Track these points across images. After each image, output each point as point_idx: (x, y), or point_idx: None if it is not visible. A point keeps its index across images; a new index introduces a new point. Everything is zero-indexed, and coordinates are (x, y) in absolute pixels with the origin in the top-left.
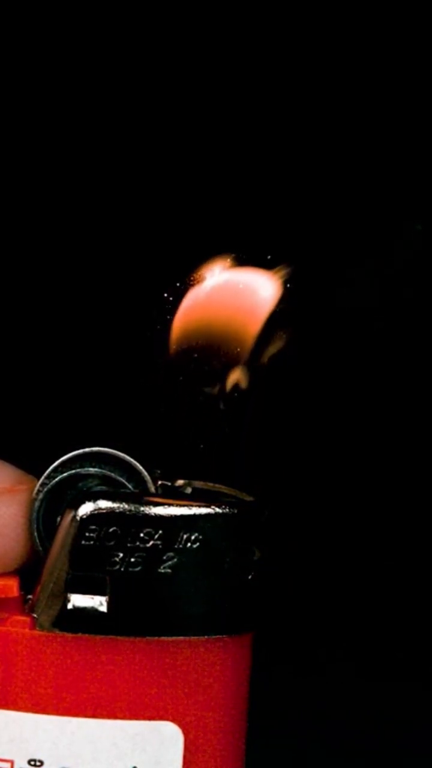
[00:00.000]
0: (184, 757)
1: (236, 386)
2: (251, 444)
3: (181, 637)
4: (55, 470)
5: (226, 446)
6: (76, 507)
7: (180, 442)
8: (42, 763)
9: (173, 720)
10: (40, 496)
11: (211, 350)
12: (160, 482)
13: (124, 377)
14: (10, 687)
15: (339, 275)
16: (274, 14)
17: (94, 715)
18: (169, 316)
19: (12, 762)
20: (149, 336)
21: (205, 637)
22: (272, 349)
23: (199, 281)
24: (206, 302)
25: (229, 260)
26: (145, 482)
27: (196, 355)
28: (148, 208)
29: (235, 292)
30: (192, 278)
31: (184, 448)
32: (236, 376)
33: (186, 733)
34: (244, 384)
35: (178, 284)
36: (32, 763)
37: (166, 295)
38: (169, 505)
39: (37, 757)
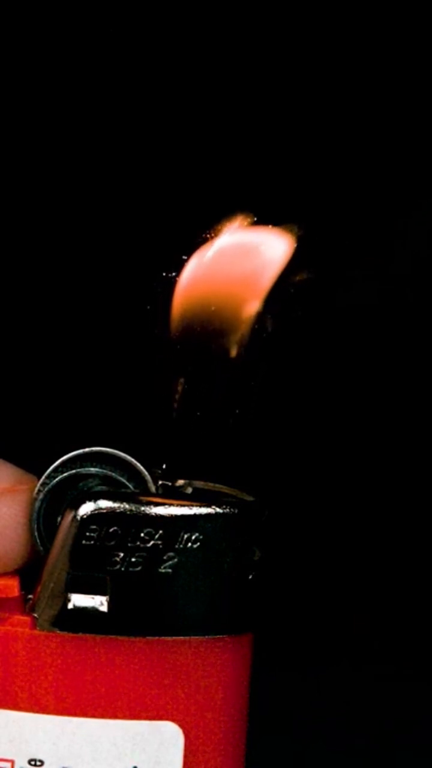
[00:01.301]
0: (184, 757)
1: (239, 371)
2: (252, 442)
3: (182, 637)
4: (55, 470)
5: (227, 442)
6: (77, 507)
7: (181, 435)
8: (42, 763)
9: (173, 720)
10: (41, 496)
11: (213, 324)
12: (160, 482)
13: (124, 377)
14: (10, 687)
15: (343, 262)
16: None
17: (94, 715)
18: (174, 275)
19: (12, 762)
20: (150, 310)
21: (206, 637)
22: (278, 309)
23: (198, 251)
24: (207, 274)
25: (228, 225)
26: (145, 482)
27: (197, 331)
28: (144, 184)
29: (236, 259)
30: (192, 246)
31: (184, 443)
32: (239, 352)
33: (186, 733)
34: (247, 363)
35: (173, 261)
36: (32, 763)
37: (165, 273)
38: (170, 505)
39: (37, 757)
